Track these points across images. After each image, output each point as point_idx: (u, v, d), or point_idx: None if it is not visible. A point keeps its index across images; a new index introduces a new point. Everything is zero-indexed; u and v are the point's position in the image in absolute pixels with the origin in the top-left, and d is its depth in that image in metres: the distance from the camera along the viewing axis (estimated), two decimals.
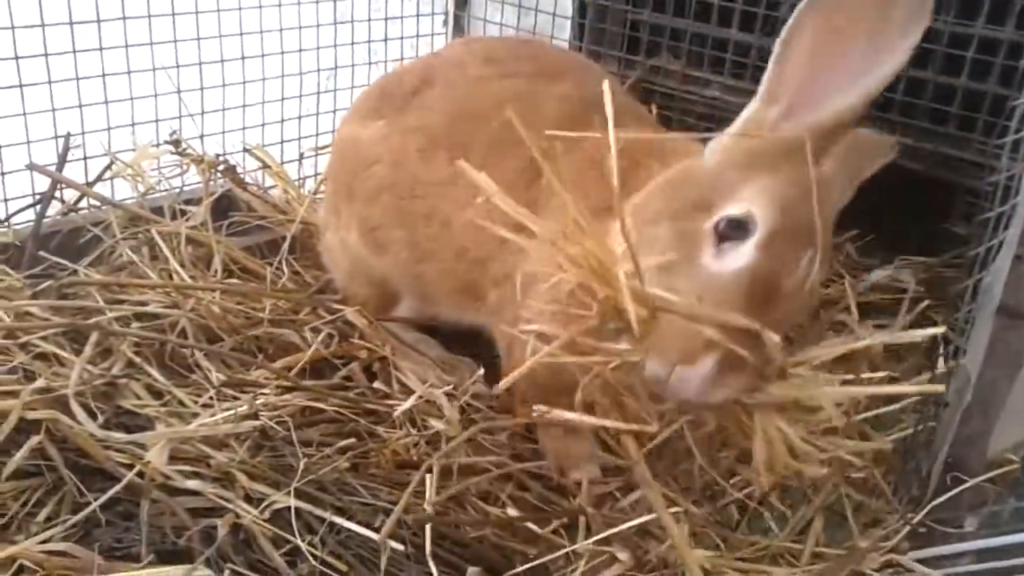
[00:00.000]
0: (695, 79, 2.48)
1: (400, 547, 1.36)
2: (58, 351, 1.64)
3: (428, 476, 1.46)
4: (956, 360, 1.53)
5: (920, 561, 1.42)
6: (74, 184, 2.11)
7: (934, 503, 1.49)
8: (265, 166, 2.48)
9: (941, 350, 1.67)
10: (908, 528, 1.45)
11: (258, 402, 1.59)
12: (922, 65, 2.13)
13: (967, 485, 1.44)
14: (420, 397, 1.71)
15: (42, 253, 1.97)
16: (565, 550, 1.43)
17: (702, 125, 2.49)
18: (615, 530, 1.41)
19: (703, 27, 2.43)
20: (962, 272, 1.67)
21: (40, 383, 1.52)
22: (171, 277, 1.96)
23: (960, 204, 2.07)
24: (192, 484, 1.40)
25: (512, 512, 1.55)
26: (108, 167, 2.20)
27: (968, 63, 2.07)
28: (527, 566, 1.39)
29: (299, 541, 1.37)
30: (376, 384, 1.86)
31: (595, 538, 1.44)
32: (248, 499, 1.42)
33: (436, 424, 1.67)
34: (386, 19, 2.79)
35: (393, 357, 1.92)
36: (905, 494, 1.58)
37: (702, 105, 2.46)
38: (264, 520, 1.39)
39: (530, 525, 1.51)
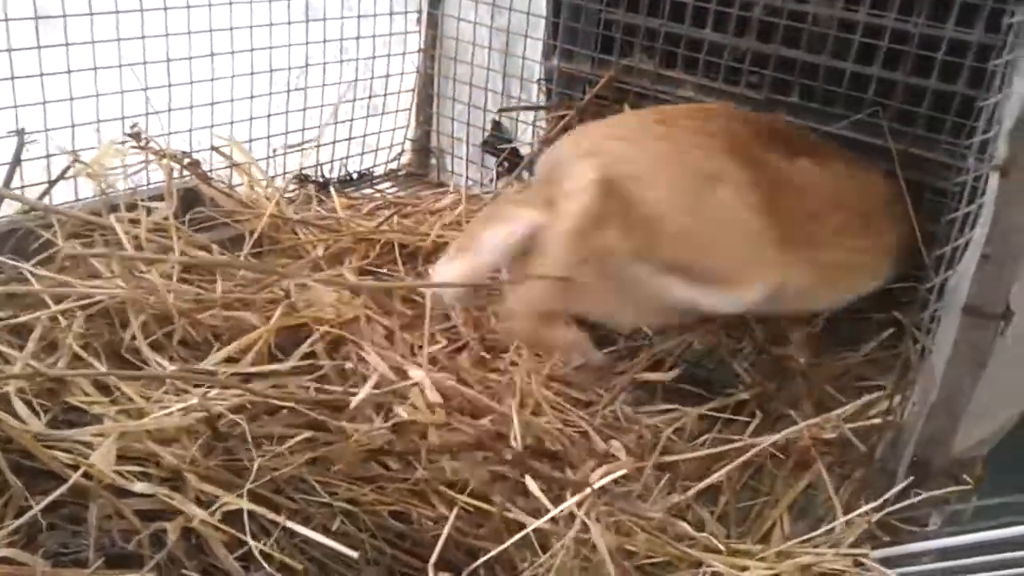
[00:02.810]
0: (668, 79, 2.47)
1: (354, 554, 1.33)
2: (3, 348, 1.60)
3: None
4: (921, 359, 1.53)
5: (883, 560, 1.41)
6: (10, 195, 2.04)
7: (901, 502, 1.48)
8: (233, 164, 2.45)
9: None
10: (867, 527, 1.44)
11: (210, 394, 1.55)
12: (892, 66, 2.13)
13: (931, 492, 1.43)
14: (378, 385, 1.68)
15: None
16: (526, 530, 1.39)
17: None
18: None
19: (676, 27, 2.42)
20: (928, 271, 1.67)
21: None
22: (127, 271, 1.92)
23: (927, 204, 2.06)
24: (140, 487, 1.37)
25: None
26: (69, 167, 2.16)
27: (938, 64, 2.07)
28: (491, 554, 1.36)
29: (253, 543, 1.34)
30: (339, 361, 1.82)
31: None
32: (199, 501, 1.39)
33: (401, 412, 1.64)
34: (359, 16, 2.77)
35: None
36: (871, 492, 1.58)
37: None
38: (217, 522, 1.36)
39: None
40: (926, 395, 1.49)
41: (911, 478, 1.48)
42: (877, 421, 1.63)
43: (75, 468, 1.37)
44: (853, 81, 2.19)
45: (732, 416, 1.84)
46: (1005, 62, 1.61)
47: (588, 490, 1.42)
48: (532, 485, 1.46)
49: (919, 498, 1.44)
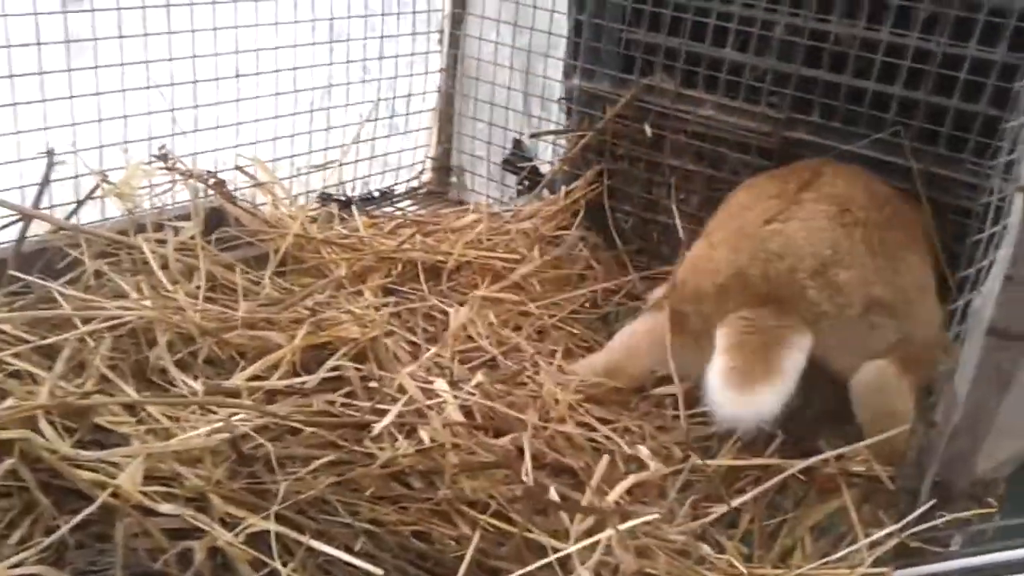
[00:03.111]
0: (689, 98, 2.48)
1: (379, 572, 1.34)
2: (32, 368, 1.63)
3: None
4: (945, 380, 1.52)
5: None
6: (39, 215, 2.09)
7: (924, 523, 1.47)
8: (257, 183, 2.48)
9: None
10: (892, 546, 1.43)
11: (235, 419, 1.57)
12: (914, 86, 2.13)
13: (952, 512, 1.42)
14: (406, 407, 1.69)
15: (12, 272, 1.95)
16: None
17: (695, 144, 2.49)
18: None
19: (697, 46, 2.43)
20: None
21: (10, 402, 1.51)
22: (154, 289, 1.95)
23: (951, 224, 2.06)
24: (166, 508, 1.38)
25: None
26: (97, 187, 2.19)
27: (960, 84, 2.06)
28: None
29: (278, 565, 1.36)
30: (366, 377, 1.82)
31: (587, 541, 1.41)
32: (224, 522, 1.40)
33: (423, 433, 1.65)
34: (382, 37, 2.80)
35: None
36: (893, 512, 1.57)
37: (696, 124, 2.46)
38: (242, 542, 1.37)
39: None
40: (949, 416, 1.48)
41: (934, 499, 1.47)
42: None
43: (103, 488, 1.39)
44: (875, 100, 2.19)
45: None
46: None
47: (611, 510, 1.42)
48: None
49: (943, 520, 1.43)
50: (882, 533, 1.47)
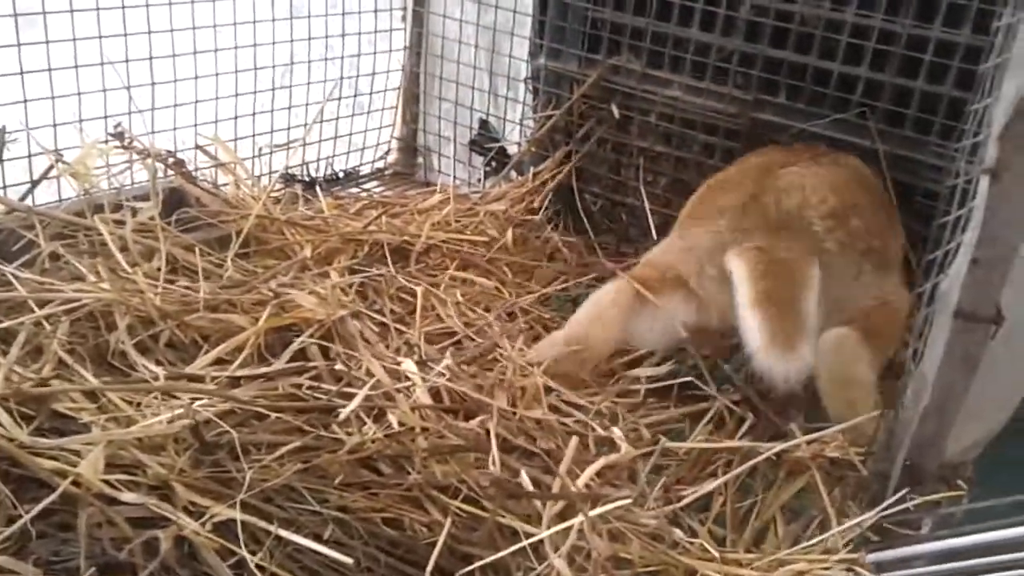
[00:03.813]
0: (655, 78, 2.46)
1: (348, 560, 1.32)
2: None
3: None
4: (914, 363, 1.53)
5: (876, 564, 1.42)
6: None
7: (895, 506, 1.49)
8: (218, 163, 2.42)
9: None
10: (861, 530, 1.44)
11: (198, 404, 1.53)
12: (880, 67, 2.14)
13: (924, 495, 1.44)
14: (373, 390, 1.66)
15: None
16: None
17: (662, 126, 2.48)
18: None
19: (663, 26, 2.41)
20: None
21: None
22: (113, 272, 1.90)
23: (917, 206, 2.08)
24: (129, 497, 1.35)
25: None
26: (51, 167, 2.13)
27: (926, 66, 2.07)
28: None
29: (245, 554, 1.33)
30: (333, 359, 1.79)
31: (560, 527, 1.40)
32: (189, 511, 1.37)
33: (391, 417, 1.63)
34: (343, 14, 2.75)
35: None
36: (865, 495, 1.58)
37: (663, 105, 2.45)
38: (209, 531, 1.34)
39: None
40: (918, 399, 1.49)
41: (905, 482, 1.48)
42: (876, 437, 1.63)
43: (63, 476, 1.36)
44: (840, 82, 2.20)
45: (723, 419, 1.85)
46: (994, 65, 1.62)
47: (582, 494, 1.41)
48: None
49: (914, 502, 1.44)
50: (856, 521, 1.47)
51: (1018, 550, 1.28)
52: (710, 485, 1.60)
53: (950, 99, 2.06)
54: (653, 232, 2.47)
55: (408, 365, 1.78)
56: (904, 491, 1.47)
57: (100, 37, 2.22)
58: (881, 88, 2.15)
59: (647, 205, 2.48)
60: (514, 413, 1.73)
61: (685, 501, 1.57)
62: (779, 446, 1.65)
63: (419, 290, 2.12)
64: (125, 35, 2.26)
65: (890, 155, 2.11)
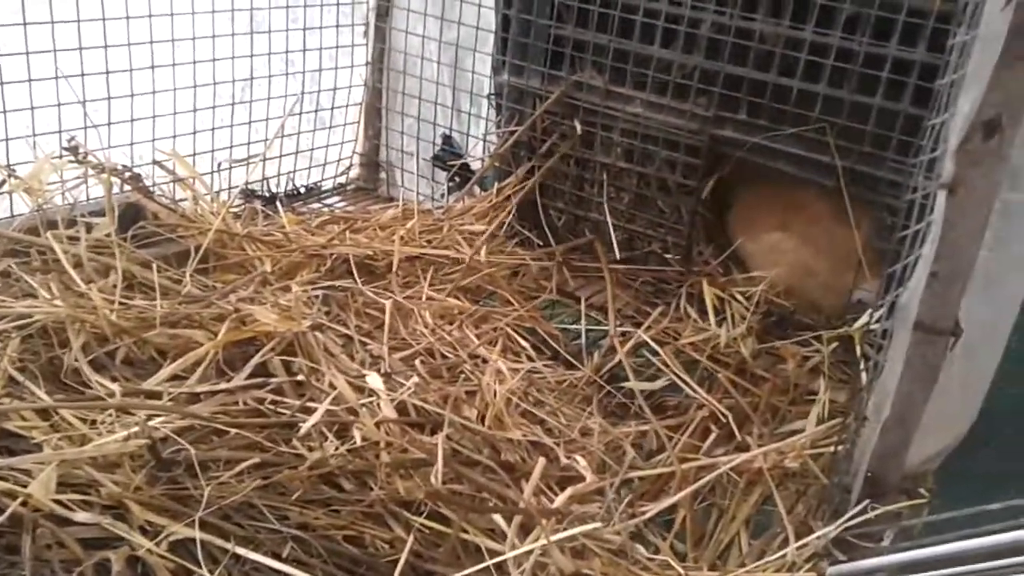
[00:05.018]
0: (618, 95, 2.48)
1: None
2: None
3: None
4: (874, 375, 1.54)
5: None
6: None
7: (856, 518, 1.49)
8: (176, 178, 2.39)
9: (861, 365, 1.69)
10: (825, 543, 1.45)
11: (155, 421, 1.50)
12: (838, 84, 2.16)
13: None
14: (336, 404, 1.64)
15: None
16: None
17: (625, 142, 2.49)
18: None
19: (625, 43, 2.43)
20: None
21: None
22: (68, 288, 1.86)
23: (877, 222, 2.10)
24: (82, 516, 1.31)
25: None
26: (3, 182, 2.09)
27: (883, 83, 2.10)
28: None
29: (204, 573, 1.30)
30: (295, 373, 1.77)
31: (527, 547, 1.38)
32: (144, 530, 1.34)
33: (354, 430, 1.60)
34: (304, 29, 2.73)
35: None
36: (826, 508, 1.58)
37: (624, 121, 2.46)
38: (164, 551, 1.31)
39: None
40: (879, 411, 1.50)
41: (866, 493, 1.49)
42: (837, 449, 1.64)
43: (12, 497, 1.31)
44: (800, 98, 2.22)
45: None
46: (950, 82, 1.64)
47: (546, 510, 1.40)
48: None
49: (875, 513, 1.45)
50: (817, 535, 1.48)
51: (978, 561, 1.29)
52: (669, 500, 1.59)
53: (907, 115, 2.08)
54: (616, 247, 2.48)
55: (373, 379, 1.76)
56: (866, 503, 1.47)
57: (55, 51, 2.19)
58: (840, 105, 2.18)
59: (610, 220, 2.49)
60: (484, 426, 1.72)
61: (647, 516, 1.56)
62: (739, 458, 1.65)
63: (387, 304, 2.10)
64: (80, 49, 2.22)
65: (849, 170, 2.13)
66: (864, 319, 1.91)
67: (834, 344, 2.06)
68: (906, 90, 2.08)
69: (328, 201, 2.93)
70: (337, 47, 2.85)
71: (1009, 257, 1.46)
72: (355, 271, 2.25)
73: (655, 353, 2.06)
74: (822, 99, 2.18)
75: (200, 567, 1.31)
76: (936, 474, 1.59)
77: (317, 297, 2.09)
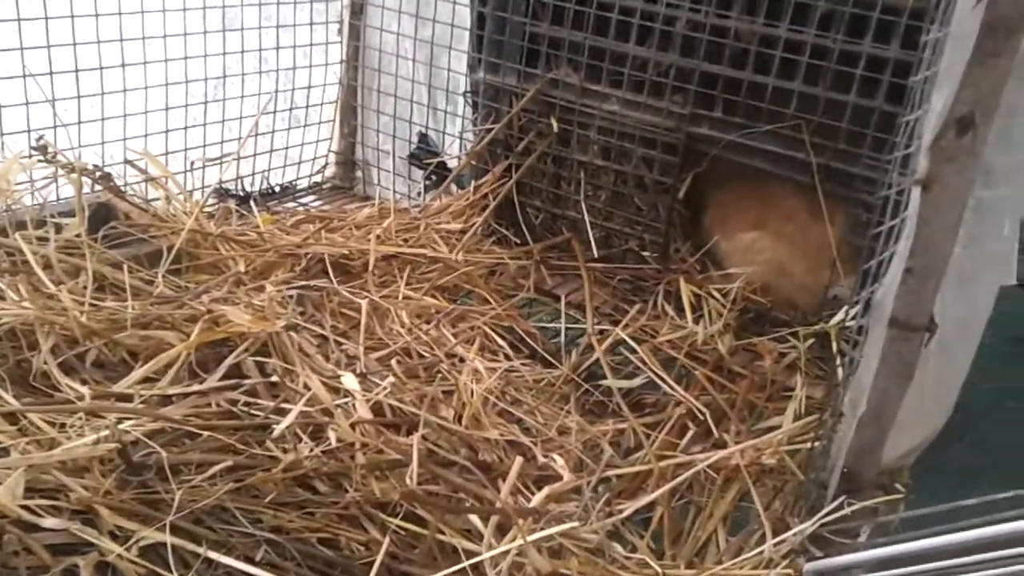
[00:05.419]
0: (594, 93, 2.47)
1: None
2: None
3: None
4: (850, 371, 1.54)
5: (815, 573, 1.42)
6: None
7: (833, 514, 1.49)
8: (148, 177, 2.36)
9: (837, 361, 1.69)
10: (802, 539, 1.45)
11: (126, 424, 1.48)
12: (813, 81, 2.17)
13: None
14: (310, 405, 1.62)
15: None
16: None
17: (601, 139, 2.49)
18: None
19: (601, 41, 2.42)
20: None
21: None
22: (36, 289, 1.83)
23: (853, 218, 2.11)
24: (50, 522, 1.29)
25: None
26: None
27: (857, 80, 2.11)
28: None
29: None
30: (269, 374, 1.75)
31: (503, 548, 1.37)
32: (114, 535, 1.32)
33: (329, 431, 1.59)
34: (277, 27, 2.71)
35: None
36: (803, 504, 1.58)
37: (601, 119, 2.45)
38: (135, 555, 1.29)
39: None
40: (855, 407, 1.50)
41: (843, 489, 1.49)
42: (814, 445, 1.64)
43: None
44: (775, 96, 2.22)
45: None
46: (923, 79, 1.64)
47: (523, 509, 1.39)
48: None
49: (852, 509, 1.45)
50: (794, 531, 1.48)
51: (954, 556, 1.29)
52: (647, 498, 1.58)
53: (882, 112, 2.09)
54: (593, 245, 2.48)
55: (348, 379, 1.75)
56: (842, 499, 1.47)
57: (22, 49, 2.15)
58: (815, 102, 2.18)
59: (587, 218, 2.48)
60: (461, 426, 1.71)
61: (624, 514, 1.56)
62: (716, 455, 1.65)
63: (363, 303, 2.08)
64: (48, 47, 2.19)
65: (824, 167, 2.14)
66: (840, 315, 1.91)
67: (810, 340, 2.06)
68: (880, 87, 2.09)
69: (303, 200, 2.91)
70: (311, 45, 2.83)
71: (982, 254, 1.47)
72: (331, 271, 2.24)
73: (633, 351, 2.07)
74: (797, 96, 2.18)
75: (171, 572, 1.29)
76: (912, 469, 1.59)
77: (292, 297, 2.07)
